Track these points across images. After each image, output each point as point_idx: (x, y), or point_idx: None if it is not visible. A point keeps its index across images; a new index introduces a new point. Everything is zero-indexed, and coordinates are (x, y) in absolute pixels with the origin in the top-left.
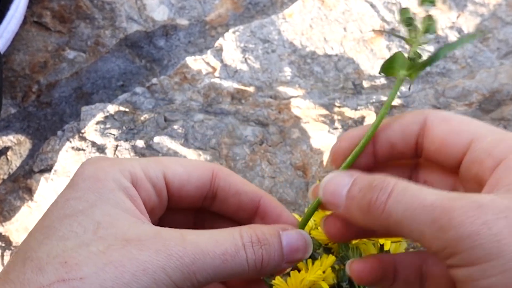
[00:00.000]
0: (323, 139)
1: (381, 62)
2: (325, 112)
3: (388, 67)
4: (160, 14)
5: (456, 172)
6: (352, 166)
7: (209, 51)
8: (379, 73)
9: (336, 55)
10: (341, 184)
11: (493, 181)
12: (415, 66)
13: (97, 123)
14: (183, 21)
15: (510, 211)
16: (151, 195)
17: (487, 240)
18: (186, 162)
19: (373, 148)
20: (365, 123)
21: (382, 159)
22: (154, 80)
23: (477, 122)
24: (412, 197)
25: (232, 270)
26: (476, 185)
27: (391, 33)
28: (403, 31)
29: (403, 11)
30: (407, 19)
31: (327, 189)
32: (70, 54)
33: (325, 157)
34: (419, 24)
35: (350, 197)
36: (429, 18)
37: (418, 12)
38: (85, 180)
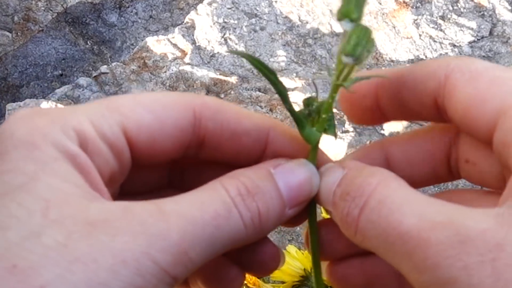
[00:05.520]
0: (330, 145)
1: (407, 42)
2: None
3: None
4: None
5: None
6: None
7: (176, 29)
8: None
9: None
10: (330, 183)
11: None
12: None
13: None
14: None
15: (502, 249)
16: (108, 159)
17: None
18: (154, 103)
19: (376, 103)
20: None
21: (392, 116)
22: (104, 68)
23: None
24: (387, 218)
25: (228, 237)
26: None
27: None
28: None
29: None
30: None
31: (321, 189)
32: None
33: None
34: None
35: (333, 204)
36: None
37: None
38: (17, 147)
